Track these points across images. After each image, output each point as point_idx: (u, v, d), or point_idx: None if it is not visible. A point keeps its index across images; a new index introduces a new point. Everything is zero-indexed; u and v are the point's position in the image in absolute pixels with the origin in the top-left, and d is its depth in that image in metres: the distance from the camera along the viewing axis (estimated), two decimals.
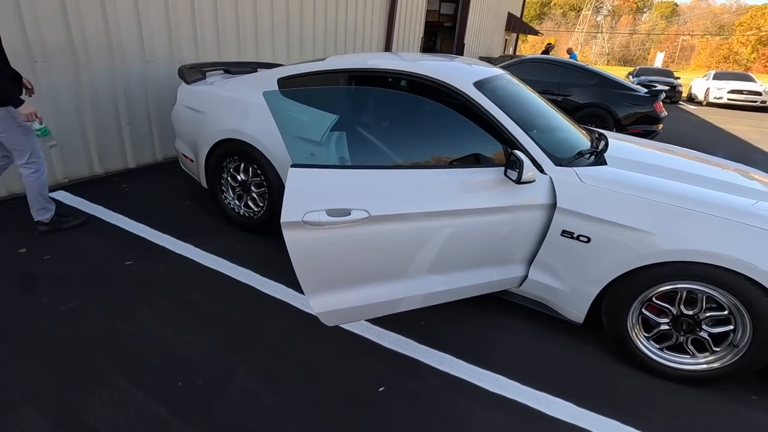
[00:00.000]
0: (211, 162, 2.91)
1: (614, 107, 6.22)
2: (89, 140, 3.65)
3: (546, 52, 12.17)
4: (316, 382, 1.79)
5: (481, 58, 14.73)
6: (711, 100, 14.65)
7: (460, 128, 2.01)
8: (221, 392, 1.70)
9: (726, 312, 1.77)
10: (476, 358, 2.00)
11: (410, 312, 2.27)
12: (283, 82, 2.72)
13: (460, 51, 12.55)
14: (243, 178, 2.87)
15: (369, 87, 2.41)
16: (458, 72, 2.30)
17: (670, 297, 1.87)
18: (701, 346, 1.88)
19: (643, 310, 1.92)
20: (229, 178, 2.93)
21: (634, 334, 1.96)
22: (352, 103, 2.19)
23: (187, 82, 3.08)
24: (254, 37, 4.95)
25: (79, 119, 3.54)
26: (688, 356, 1.90)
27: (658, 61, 37.45)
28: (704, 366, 1.87)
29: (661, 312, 1.91)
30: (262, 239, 2.90)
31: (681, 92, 15.35)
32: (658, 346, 1.95)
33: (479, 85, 2.25)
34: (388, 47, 7.95)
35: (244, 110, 2.73)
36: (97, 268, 2.45)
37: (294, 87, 2.69)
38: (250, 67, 3.64)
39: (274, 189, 2.70)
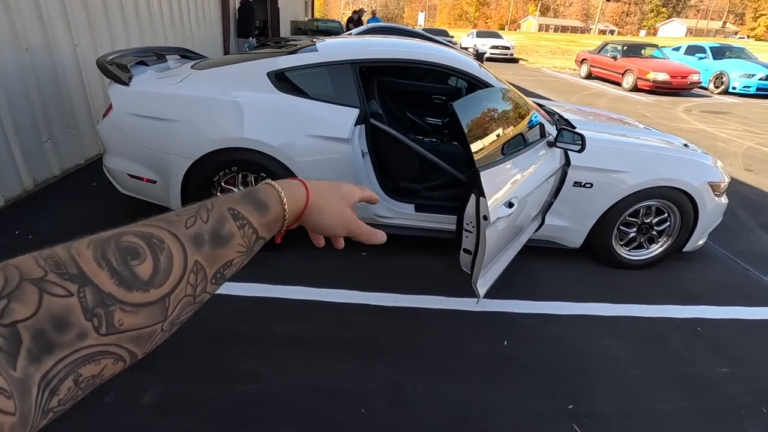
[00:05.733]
0: (194, 179, 2.43)
1: None
2: None
3: (359, 18, 12.76)
4: (465, 359, 2.00)
5: (292, 22, 14.39)
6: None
7: (506, 114, 2.33)
8: None
9: (665, 214, 2.74)
10: (531, 295, 2.51)
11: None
12: (277, 76, 2.43)
13: (275, 16, 11.96)
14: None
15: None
16: (473, 63, 2.58)
17: (635, 213, 2.73)
18: (651, 241, 2.84)
19: (620, 226, 2.76)
20: (220, 194, 2.51)
21: (615, 244, 2.79)
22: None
23: (125, 83, 2.37)
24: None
25: None
26: (644, 250, 2.85)
27: (421, 20, 43.19)
28: (655, 252, 2.84)
29: (630, 225, 2.77)
30: (278, 253, 2.65)
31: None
32: (627, 249, 2.84)
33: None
34: (225, 11, 7.09)
35: (238, 112, 2.35)
36: None
37: (292, 81, 2.45)
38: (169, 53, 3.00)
39: None
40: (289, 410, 1.65)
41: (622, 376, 1.99)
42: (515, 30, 78.43)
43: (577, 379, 1.95)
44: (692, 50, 12.80)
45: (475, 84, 2.52)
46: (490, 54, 17.85)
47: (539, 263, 2.85)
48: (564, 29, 76.21)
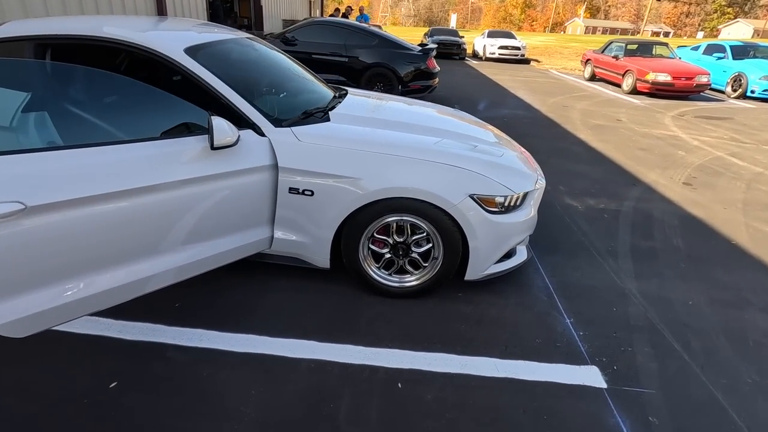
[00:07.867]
0: None
1: (395, 66, 6.81)
2: None
3: (345, 15, 12.47)
4: (31, 401, 1.59)
5: (285, 21, 14.34)
6: (488, 55, 17.30)
7: (164, 98, 1.90)
8: None
9: (425, 234, 2.18)
10: (231, 325, 2.05)
11: (164, 296, 2.17)
12: None
13: (258, 14, 11.90)
14: None
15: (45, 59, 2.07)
16: (167, 37, 2.16)
17: (386, 230, 2.20)
18: (415, 265, 2.28)
19: (370, 245, 2.23)
20: None
21: (367, 266, 2.26)
22: (29, 77, 1.86)
23: None
24: None
25: None
26: (408, 275, 2.30)
27: (453, 23, 42.43)
28: (417, 280, 2.28)
29: (383, 244, 2.24)
30: None
31: (465, 49, 17.69)
32: (386, 273, 2.30)
33: (193, 50, 2.15)
34: (160, 8, 7.01)
35: None
36: None
37: None
38: None
39: None
40: None
41: None
42: (562, 32, 75.33)
43: None
44: (711, 50, 11.41)
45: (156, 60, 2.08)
46: (499, 54, 16.99)
47: (288, 284, 2.38)
48: (613, 31, 72.19)
